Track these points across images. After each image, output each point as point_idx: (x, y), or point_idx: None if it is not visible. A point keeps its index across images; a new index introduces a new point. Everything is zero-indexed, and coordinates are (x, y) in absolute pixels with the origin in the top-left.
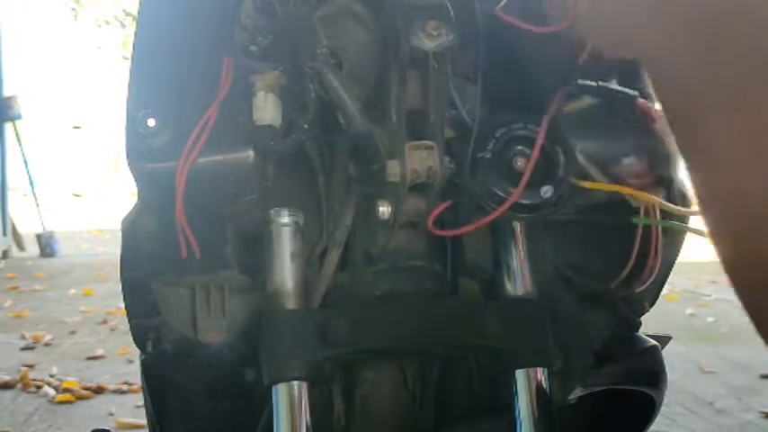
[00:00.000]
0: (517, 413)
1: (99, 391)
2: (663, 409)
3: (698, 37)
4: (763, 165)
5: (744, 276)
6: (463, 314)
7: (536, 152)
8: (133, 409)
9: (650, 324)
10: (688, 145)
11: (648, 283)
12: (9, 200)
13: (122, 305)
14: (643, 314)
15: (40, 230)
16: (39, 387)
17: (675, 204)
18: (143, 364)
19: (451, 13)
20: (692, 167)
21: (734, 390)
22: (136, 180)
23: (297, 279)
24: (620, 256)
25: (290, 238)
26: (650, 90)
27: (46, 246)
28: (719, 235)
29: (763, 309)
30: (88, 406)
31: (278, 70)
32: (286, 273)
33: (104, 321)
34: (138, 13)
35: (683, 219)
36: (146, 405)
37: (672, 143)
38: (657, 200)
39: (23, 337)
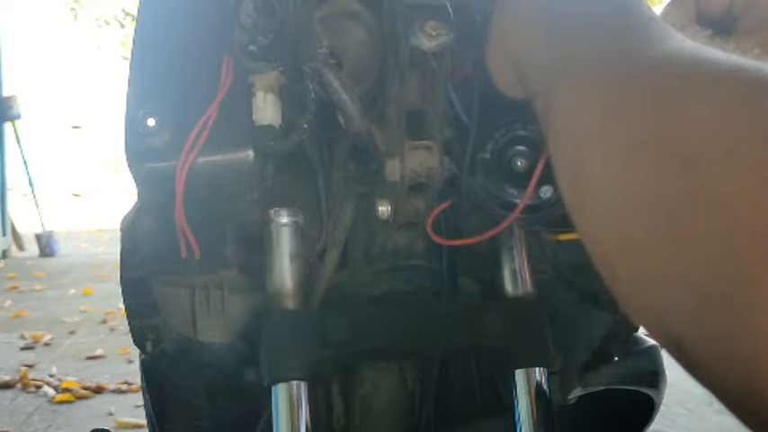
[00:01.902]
0: (517, 413)
1: (98, 390)
2: (663, 409)
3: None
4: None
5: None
6: (463, 314)
7: (545, 155)
8: (133, 409)
9: None
10: (544, 122)
11: None
12: (9, 200)
13: (122, 305)
14: None
15: (39, 230)
16: (38, 387)
17: None
18: (143, 363)
19: (451, 12)
20: (549, 143)
21: None
22: (135, 180)
23: (296, 279)
24: None
25: (290, 238)
26: None
27: (45, 246)
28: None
29: (606, 251)
30: (88, 406)
31: (277, 70)
32: (286, 273)
33: (104, 321)
34: (138, 13)
35: None
36: (145, 405)
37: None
38: None
39: (23, 337)
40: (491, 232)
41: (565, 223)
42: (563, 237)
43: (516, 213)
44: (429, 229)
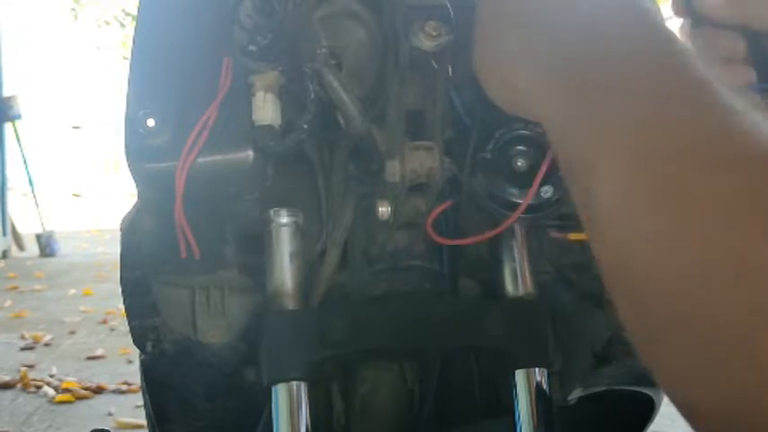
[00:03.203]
0: (517, 413)
1: (98, 390)
2: (662, 408)
3: (574, 94)
4: (645, 224)
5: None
6: (463, 314)
7: (549, 155)
8: (133, 409)
9: None
10: (581, 202)
11: None
12: (9, 200)
13: (122, 305)
14: None
15: (39, 230)
16: (38, 387)
17: None
18: (143, 364)
19: (451, 13)
20: (586, 227)
21: None
22: (135, 180)
23: (296, 279)
24: None
25: (290, 238)
26: None
27: (46, 246)
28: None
29: (651, 353)
30: (87, 406)
31: (277, 70)
32: (286, 273)
33: (104, 321)
34: (138, 13)
35: None
36: (145, 405)
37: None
38: None
39: (23, 337)
40: (491, 233)
41: (568, 223)
42: (573, 236)
43: (518, 214)
44: (429, 229)
